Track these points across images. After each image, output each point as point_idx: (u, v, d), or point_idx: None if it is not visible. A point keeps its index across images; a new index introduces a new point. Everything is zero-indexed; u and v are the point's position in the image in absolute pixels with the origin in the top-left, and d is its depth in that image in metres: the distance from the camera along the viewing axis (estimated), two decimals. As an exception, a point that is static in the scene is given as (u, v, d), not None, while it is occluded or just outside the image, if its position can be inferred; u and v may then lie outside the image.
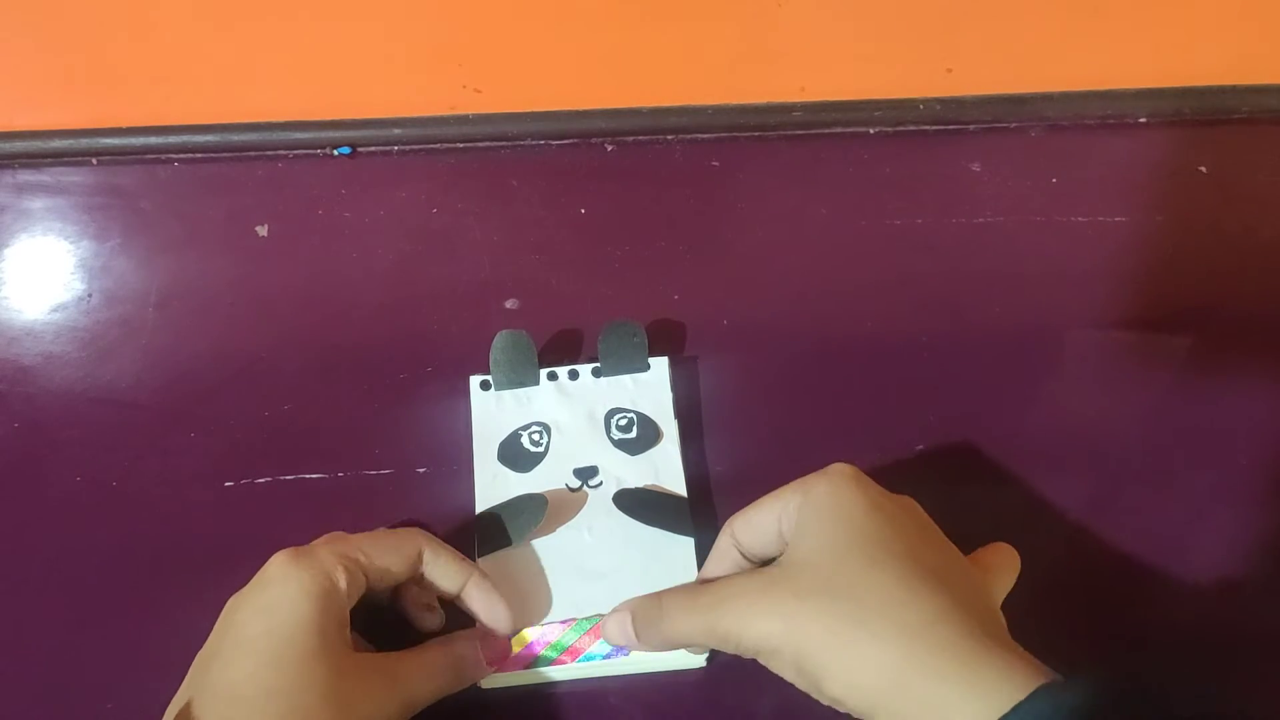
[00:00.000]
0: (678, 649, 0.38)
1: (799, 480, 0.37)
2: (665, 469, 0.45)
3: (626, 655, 0.39)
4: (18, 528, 0.45)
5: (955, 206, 0.57)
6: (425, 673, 0.37)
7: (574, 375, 0.48)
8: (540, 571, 0.42)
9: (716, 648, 0.36)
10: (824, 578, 0.34)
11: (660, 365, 0.48)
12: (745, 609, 0.35)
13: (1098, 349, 0.51)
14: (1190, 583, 0.43)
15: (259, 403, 0.49)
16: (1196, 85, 0.62)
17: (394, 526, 0.43)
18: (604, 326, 0.48)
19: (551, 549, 0.42)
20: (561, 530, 0.43)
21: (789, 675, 0.34)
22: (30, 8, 0.56)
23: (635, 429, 0.46)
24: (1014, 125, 0.62)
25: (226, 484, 0.46)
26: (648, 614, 0.37)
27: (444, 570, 0.39)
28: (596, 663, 0.39)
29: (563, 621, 0.40)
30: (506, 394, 0.48)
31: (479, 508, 0.44)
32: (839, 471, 0.37)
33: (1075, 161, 0.60)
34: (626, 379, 0.48)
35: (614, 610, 0.39)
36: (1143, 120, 0.62)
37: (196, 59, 0.59)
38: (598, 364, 0.48)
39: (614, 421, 0.46)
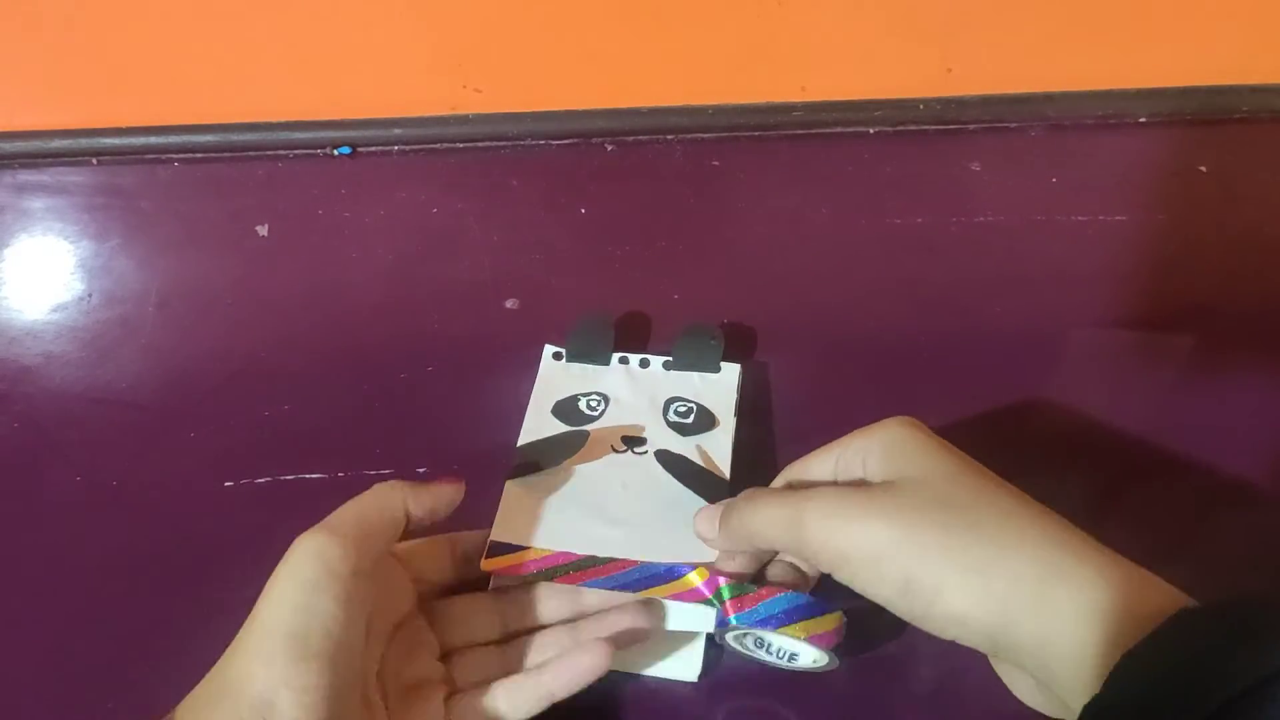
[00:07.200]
0: (756, 546, 0.36)
1: (856, 430, 0.36)
2: (714, 453, 0.44)
3: (633, 593, 0.38)
4: (17, 527, 0.45)
5: (956, 206, 0.57)
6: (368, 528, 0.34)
7: (645, 364, 0.48)
8: (564, 502, 0.41)
9: (793, 550, 0.34)
10: (939, 494, 0.32)
11: (731, 370, 0.48)
12: (845, 509, 0.32)
13: (1098, 348, 0.51)
14: (1192, 583, 0.43)
15: (259, 402, 0.49)
16: (1196, 85, 0.62)
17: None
18: (684, 326, 0.49)
19: (580, 488, 0.42)
20: (595, 474, 0.43)
21: (885, 590, 0.31)
22: (30, 8, 0.56)
23: (693, 416, 0.46)
24: (1014, 125, 0.62)
25: (226, 484, 0.46)
26: (737, 503, 0.36)
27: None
28: (602, 591, 0.38)
29: (577, 553, 0.39)
30: (575, 365, 0.48)
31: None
32: (905, 419, 0.35)
33: (1076, 161, 0.60)
34: (695, 376, 0.48)
35: (706, 506, 0.38)
36: (1143, 120, 0.62)
37: (196, 59, 0.59)
38: (669, 357, 0.48)
39: (673, 407, 0.46)
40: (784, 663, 0.38)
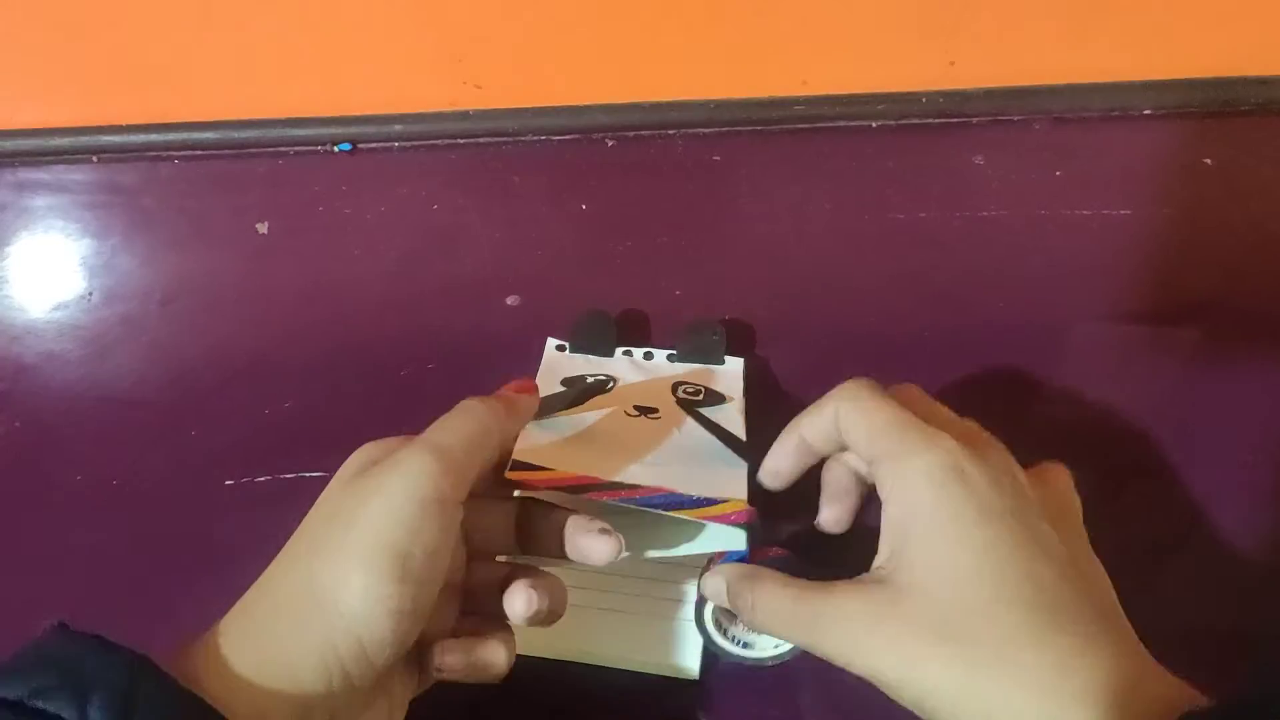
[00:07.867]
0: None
1: (828, 402, 0.36)
2: (728, 423, 0.44)
3: (668, 513, 0.37)
4: (19, 526, 0.45)
5: (959, 200, 0.57)
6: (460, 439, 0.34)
7: (649, 356, 0.48)
8: (586, 439, 0.41)
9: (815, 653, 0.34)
10: (944, 615, 0.31)
11: (736, 364, 0.48)
12: (856, 636, 0.32)
13: (1102, 343, 0.51)
14: (1195, 579, 0.43)
15: (260, 401, 0.49)
16: (1202, 77, 0.61)
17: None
18: (686, 323, 0.49)
19: (601, 431, 0.41)
20: (614, 422, 0.42)
21: (905, 704, 0.31)
22: (30, 7, 0.56)
23: (702, 395, 0.45)
24: (1017, 118, 0.61)
25: (227, 482, 0.46)
26: (742, 598, 0.34)
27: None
28: (633, 506, 0.37)
29: (604, 477, 0.38)
30: (579, 356, 0.48)
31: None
32: (940, 462, 0.33)
33: (1079, 154, 0.59)
34: (700, 367, 0.48)
35: (710, 573, 0.36)
36: (1147, 112, 0.61)
37: (197, 56, 0.59)
38: (673, 350, 0.48)
39: (681, 388, 0.46)
40: (742, 651, 0.38)
